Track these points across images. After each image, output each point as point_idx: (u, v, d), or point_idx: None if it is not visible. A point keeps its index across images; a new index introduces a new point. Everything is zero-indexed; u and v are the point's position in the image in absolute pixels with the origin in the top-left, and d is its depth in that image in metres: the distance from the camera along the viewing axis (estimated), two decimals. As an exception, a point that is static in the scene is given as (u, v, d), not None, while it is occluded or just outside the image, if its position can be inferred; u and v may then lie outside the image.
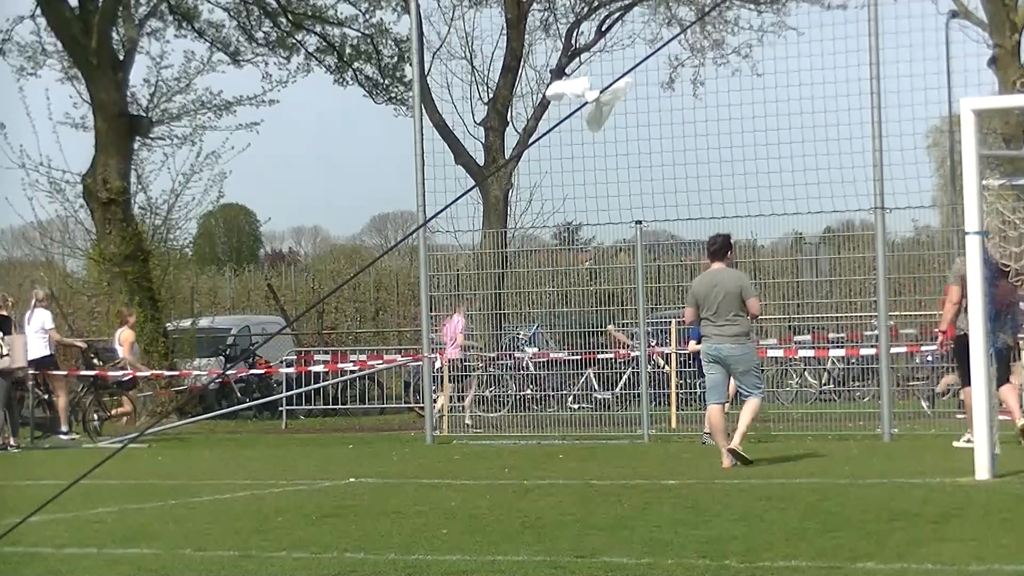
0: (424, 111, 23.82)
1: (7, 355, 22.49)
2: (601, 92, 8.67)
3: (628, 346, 22.72)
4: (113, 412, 24.32)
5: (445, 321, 23.22)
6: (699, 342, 19.41)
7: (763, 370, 17.78)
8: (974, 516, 10.95)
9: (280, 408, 27.82)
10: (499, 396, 23.93)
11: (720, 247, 16.32)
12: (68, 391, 24.08)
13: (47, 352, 23.77)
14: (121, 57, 29.27)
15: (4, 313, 23.01)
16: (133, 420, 24.04)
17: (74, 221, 30.95)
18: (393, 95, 32.63)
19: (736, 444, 15.79)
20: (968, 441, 17.68)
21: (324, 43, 32.71)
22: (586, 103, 8.67)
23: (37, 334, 23.70)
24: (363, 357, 27.77)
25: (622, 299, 24.75)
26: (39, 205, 42.60)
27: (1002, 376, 17.41)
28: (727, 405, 17.19)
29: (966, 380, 17.44)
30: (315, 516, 12.30)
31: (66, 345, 25.03)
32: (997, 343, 17.62)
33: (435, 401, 22.38)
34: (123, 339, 24.19)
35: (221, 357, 30.90)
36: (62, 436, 23.58)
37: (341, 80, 32.85)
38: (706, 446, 18.94)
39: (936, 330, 17.88)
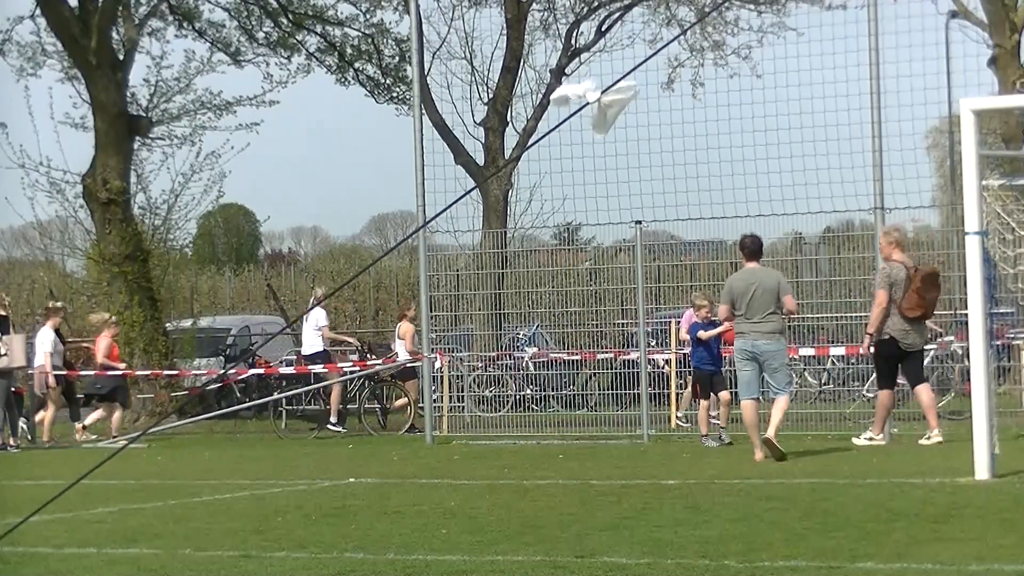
0: (424, 111, 23.81)
1: (6, 355, 22.49)
2: (603, 93, 8.66)
3: (939, 334, 22.38)
4: (396, 403, 24.64)
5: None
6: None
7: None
8: (974, 516, 10.95)
9: (280, 408, 27.79)
10: (499, 396, 23.93)
11: (759, 247, 17.10)
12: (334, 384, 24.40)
13: (321, 348, 24.31)
14: (121, 57, 29.25)
15: (2, 313, 23.00)
16: (414, 410, 24.10)
17: (74, 221, 30.95)
18: (395, 95, 32.62)
19: (771, 434, 16.44)
20: (870, 440, 17.88)
21: (325, 43, 32.70)
22: (587, 103, 8.67)
23: (313, 331, 24.26)
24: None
25: (622, 299, 24.75)
26: (39, 205, 42.59)
27: (919, 376, 18.05)
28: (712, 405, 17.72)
29: (881, 383, 17.80)
30: (315, 516, 12.31)
31: (339, 342, 25.27)
32: (914, 346, 18.06)
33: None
34: (404, 332, 24.29)
35: (221, 357, 30.90)
36: (331, 427, 24.04)
37: (343, 80, 32.83)
38: (705, 447, 18.95)
39: (866, 332, 18.18)
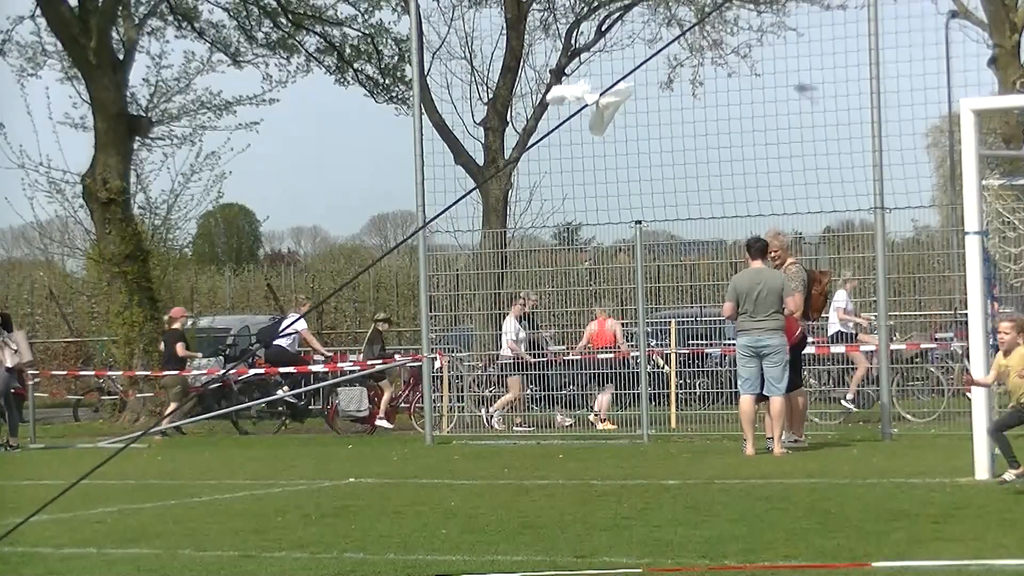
0: (424, 111, 23.80)
1: (17, 351, 22.54)
2: (601, 94, 8.66)
3: None
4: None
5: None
6: None
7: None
8: (974, 516, 10.96)
9: (280, 408, 27.78)
10: (499, 396, 23.91)
11: (763, 246, 17.63)
12: None
13: (839, 328, 23.33)
14: (121, 57, 29.26)
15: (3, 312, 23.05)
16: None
17: (74, 221, 31.01)
18: (394, 95, 32.61)
19: (777, 451, 17.07)
20: (795, 442, 17.78)
21: (324, 43, 32.70)
22: (586, 105, 8.67)
23: (833, 311, 23.43)
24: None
25: (622, 299, 24.74)
26: (39, 205, 42.59)
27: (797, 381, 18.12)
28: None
29: (790, 385, 17.61)
30: (315, 516, 12.31)
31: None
32: (804, 347, 18.16)
33: None
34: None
35: (221, 357, 30.86)
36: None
37: (342, 80, 32.83)
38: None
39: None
